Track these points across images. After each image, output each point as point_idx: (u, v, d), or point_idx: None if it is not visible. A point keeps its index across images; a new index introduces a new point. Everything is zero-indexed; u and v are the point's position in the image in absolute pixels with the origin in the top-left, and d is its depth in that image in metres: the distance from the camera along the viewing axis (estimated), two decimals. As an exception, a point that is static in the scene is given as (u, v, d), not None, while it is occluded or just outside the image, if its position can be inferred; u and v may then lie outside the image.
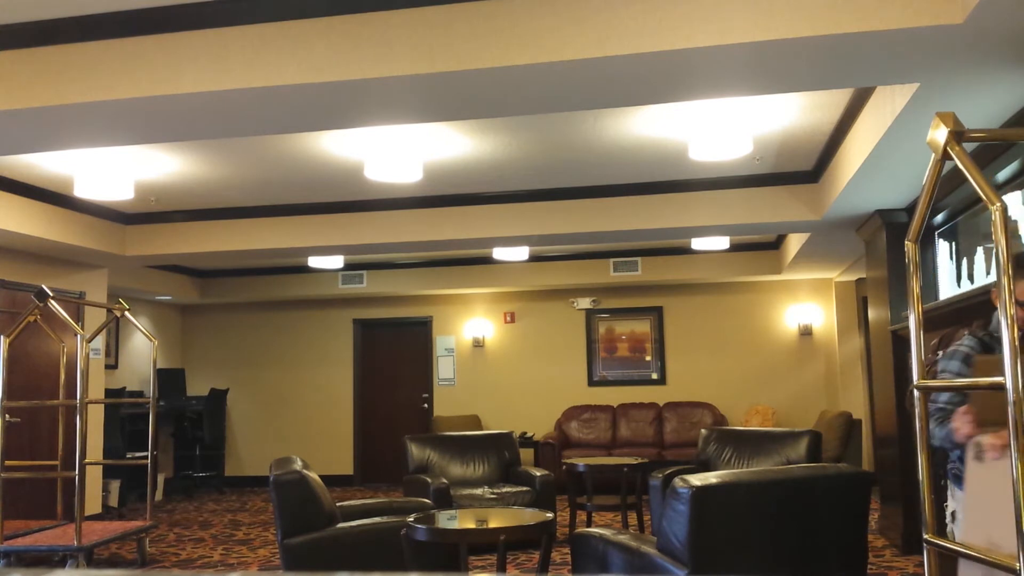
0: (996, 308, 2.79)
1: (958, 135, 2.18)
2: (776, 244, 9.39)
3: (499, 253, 8.71)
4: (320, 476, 4.99)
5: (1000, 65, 3.33)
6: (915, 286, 2.47)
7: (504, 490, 6.74)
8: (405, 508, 5.31)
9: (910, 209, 5.99)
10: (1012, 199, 4.41)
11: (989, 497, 2.29)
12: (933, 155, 2.30)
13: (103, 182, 6.00)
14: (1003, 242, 2.00)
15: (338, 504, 5.13)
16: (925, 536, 2.41)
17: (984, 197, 2.07)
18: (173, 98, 3.68)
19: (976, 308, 4.42)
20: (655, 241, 8.82)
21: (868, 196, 5.75)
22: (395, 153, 5.62)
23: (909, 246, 2.43)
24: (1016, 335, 2.09)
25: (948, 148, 2.17)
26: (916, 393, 2.49)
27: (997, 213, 2.00)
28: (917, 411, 2.49)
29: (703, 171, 6.42)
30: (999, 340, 2.89)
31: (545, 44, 3.32)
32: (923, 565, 2.42)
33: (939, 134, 2.24)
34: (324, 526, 4.70)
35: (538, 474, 6.88)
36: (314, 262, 9.32)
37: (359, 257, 9.63)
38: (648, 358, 10.60)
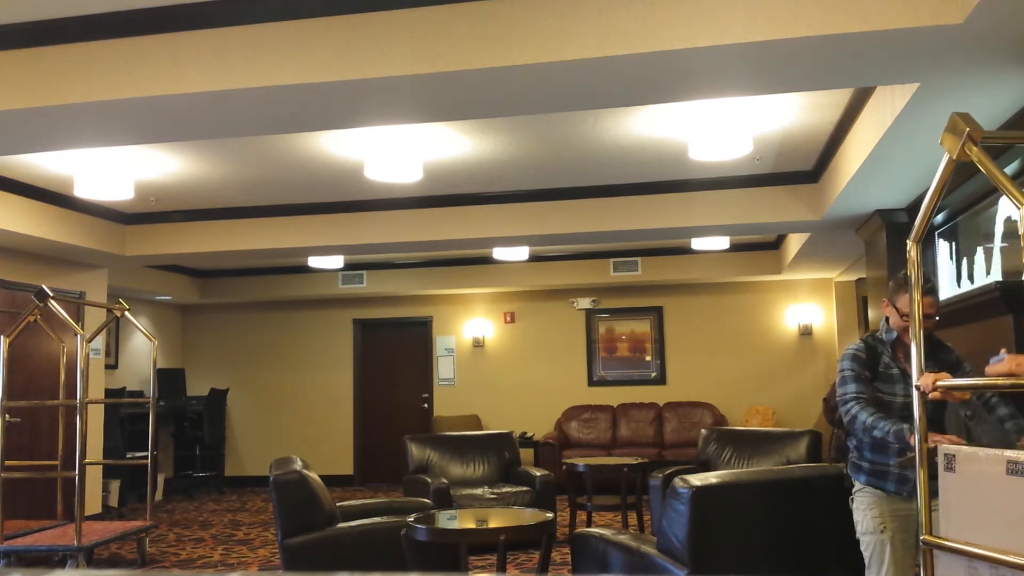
0: (885, 313, 3.20)
1: (975, 138, 2.17)
2: (776, 244, 9.39)
3: (499, 253, 8.71)
4: (320, 476, 4.99)
5: (1000, 65, 3.33)
6: (916, 293, 2.47)
7: (504, 490, 6.74)
8: (405, 508, 5.31)
9: (910, 209, 5.99)
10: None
11: (964, 505, 2.29)
12: (946, 155, 2.27)
13: (103, 182, 6.00)
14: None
15: (338, 504, 5.14)
16: (922, 536, 2.41)
17: (1013, 200, 2.07)
18: (173, 98, 3.68)
19: (975, 309, 4.42)
20: (655, 241, 8.82)
21: (868, 196, 5.75)
22: (395, 153, 5.62)
23: (911, 246, 2.43)
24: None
25: (966, 150, 2.16)
26: (915, 393, 2.49)
27: None
28: (916, 413, 2.49)
29: (703, 171, 6.42)
30: (880, 340, 3.23)
31: (545, 44, 3.32)
32: (920, 565, 2.43)
33: (955, 135, 2.22)
34: (324, 526, 4.71)
35: (538, 474, 6.89)
36: (314, 262, 9.32)
37: (359, 257, 9.62)
38: (648, 358, 10.60)
